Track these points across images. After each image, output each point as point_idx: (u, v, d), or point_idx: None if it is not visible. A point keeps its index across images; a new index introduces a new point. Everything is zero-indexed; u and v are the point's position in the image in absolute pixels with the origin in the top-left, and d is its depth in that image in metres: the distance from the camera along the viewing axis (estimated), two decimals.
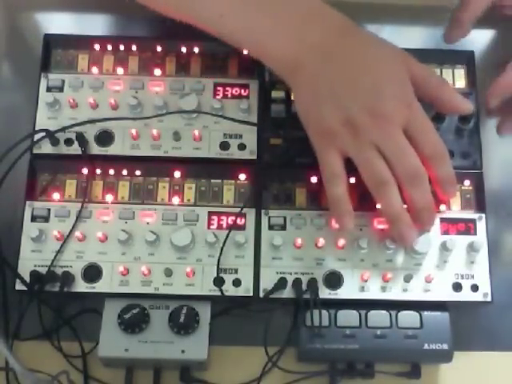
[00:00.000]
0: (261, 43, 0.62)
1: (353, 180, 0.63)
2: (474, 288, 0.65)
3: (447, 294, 0.64)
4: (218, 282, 0.64)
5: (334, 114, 0.59)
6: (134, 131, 0.67)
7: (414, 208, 0.61)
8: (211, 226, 0.66)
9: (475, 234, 0.66)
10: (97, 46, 0.71)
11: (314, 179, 0.67)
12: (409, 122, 0.59)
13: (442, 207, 0.67)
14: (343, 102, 0.58)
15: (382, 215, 0.63)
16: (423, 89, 0.61)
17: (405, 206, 0.61)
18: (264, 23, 0.61)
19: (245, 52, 0.67)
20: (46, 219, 0.66)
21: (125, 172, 0.67)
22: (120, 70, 0.70)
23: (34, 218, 0.66)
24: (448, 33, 0.70)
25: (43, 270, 0.64)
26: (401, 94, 0.59)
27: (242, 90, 0.70)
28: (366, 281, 0.64)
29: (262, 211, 0.66)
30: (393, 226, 0.61)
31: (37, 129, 0.68)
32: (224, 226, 0.66)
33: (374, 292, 0.64)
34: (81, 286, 0.64)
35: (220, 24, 0.63)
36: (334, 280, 0.65)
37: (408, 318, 0.64)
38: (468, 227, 0.66)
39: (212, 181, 0.67)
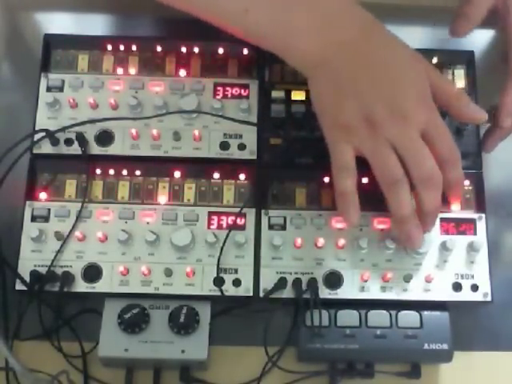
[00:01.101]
0: (287, 38, 0.61)
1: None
2: (474, 288, 0.65)
3: (447, 294, 0.64)
4: (218, 281, 0.64)
5: (354, 109, 0.59)
6: (133, 131, 0.67)
7: (422, 210, 0.60)
8: (211, 226, 0.66)
9: (475, 233, 0.66)
10: (97, 46, 0.71)
11: (314, 179, 0.67)
12: (427, 125, 0.59)
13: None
14: (366, 99, 0.58)
15: (391, 214, 0.62)
16: (440, 96, 0.61)
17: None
18: (291, 18, 0.61)
19: (267, 49, 0.65)
20: (46, 219, 0.66)
21: (125, 172, 0.67)
22: (120, 70, 0.70)
23: (33, 218, 0.66)
24: (455, 26, 0.69)
25: (43, 270, 0.64)
26: (422, 97, 0.59)
27: (242, 90, 0.70)
28: (365, 281, 0.64)
29: (262, 211, 0.66)
30: (401, 226, 0.61)
31: (37, 129, 0.68)
32: (224, 225, 0.66)
33: (373, 292, 0.64)
34: (81, 286, 0.64)
35: (245, 19, 0.62)
36: (333, 280, 0.65)
37: (408, 317, 0.64)
38: (468, 227, 0.66)
39: (212, 181, 0.67)
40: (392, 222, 0.65)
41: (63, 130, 0.67)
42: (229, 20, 0.63)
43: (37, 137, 0.67)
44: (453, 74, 0.72)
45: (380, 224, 0.66)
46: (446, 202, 0.65)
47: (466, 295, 0.65)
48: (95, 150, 0.68)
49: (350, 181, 0.60)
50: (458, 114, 0.62)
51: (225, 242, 0.65)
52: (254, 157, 0.68)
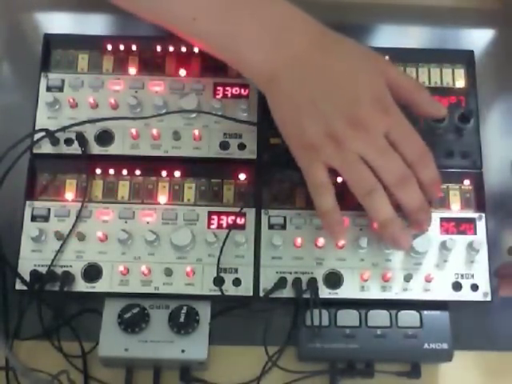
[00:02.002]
0: (237, 51, 0.61)
1: None
2: (474, 287, 0.65)
3: (447, 294, 0.64)
4: (218, 281, 0.64)
5: (314, 126, 0.58)
6: (133, 131, 0.67)
7: (409, 210, 0.60)
8: (211, 226, 0.66)
9: (475, 233, 0.66)
10: (97, 46, 0.71)
11: None
12: (389, 127, 0.58)
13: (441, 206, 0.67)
14: (323, 115, 0.58)
15: (373, 223, 0.63)
16: (398, 92, 0.60)
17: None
18: (240, 30, 0.61)
19: (221, 59, 0.65)
20: (46, 219, 0.66)
21: (125, 172, 0.67)
22: (120, 70, 0.70)
23: (33, 218, 0.66)
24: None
25: (43, 270, 0.64)
26: (378, 101, 0.58)
27: (242, 90, 0.70)
28: (365, 280, 0.64)
29: (262, 211, 0.66)
30: (385, 231, 0.60)
31: (37, 128, 0.68)
32: (224, 225, 0.66)
33: (373, 291, 0.64)
34: (81, 286, 0.64)
35: (194, 28, 0.62)
36: (333, 279, 0.65)
37: (408, 317, 0.64)
38: (468, 227, 0.66)
39: (212, 180, 0.67)
40: (377, 228, 0.64)
41: (63, 129, 0.67)
42: (178, 26, 0.63)
43: (37, 136, 0.67)
44: (453, 73, 0.72)
45: None
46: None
47: (465, 295, 0.64)
48: (95, 149, 0.68)
49: (329, 197, 0.60)
50: (417, 109, 0.62)
51: (225, 241, 0.65)
52: (254, 156, 0.68)
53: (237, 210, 0.66)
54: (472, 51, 0.72)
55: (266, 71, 0.60)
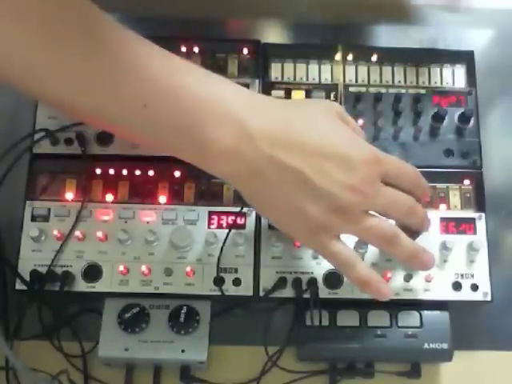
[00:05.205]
0: (200, 141, 0.53)
1: None
2: (474, 287, 0.65)
3: (447, 294, 0.64)
4: (218, 281, 0.64)
5: (316, 206, 0.54)
6: None
7: (415, 228, 0.60)
8: (211, 226, 0.66)
9: (475, 233, 0.66)
10: None
11: None
12: (385, 173, 0.57)
13: (442, 207, 0.67)
14: (320, 192, 0.54)
15: (400, 260, 0.60)
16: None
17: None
18: (203, 114, 0.53)
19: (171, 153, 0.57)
20: (46, 219, 0.66)
21: (125, 172, 0.67)
22: None
23: (33, 218, 0.66)
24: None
25: (43, 270, 0.64)
26: (366, 154, 0.56)
27: None
28: None
29: None
30: (415, 262, 0.59)
31: (37, 128, 0.68)
32: (224, 225, 0.66)
33: None
34: (81, 286, 0.64)
35: (143, 116, 0.53)
36: (333, 279, 0.65)
37: (408, 317, 0.64)
38: (468, 227, 0.66)
39: (212, 180, 0.67)
40: (404, 263, 0.63)
41: (63, 129, 0.67)
42: (124, 117, 0.53)
43: (37, 136, 0.67)
44: (453, 73, 0.72)
45: None
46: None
47: (465, 295, 0.64)
48: (95, 149, 0.68)
49: (362, 265, 0.57)
50: None
51: (225, 241, 0.65)
52: None
53: (237, 209, 0.66)
54: (472, 51, 0.72)
55: (243, 166, 0.54)
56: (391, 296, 0.58)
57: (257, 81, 0.70)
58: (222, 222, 0.66)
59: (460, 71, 0.72)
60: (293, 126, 0.55)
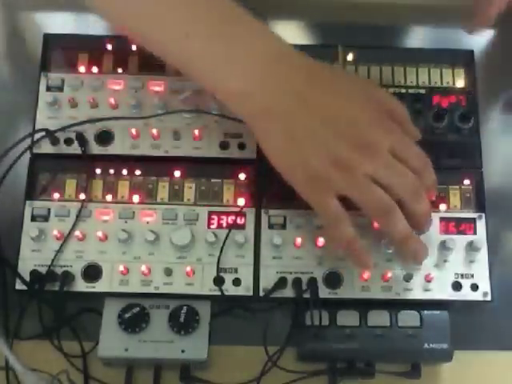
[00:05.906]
0: (223, 77, 0.58)
1: None
2: (474, 287, 0.65)
3: (447, 294, 0.65)
4: (218, 281, 0.64)
5: (317, 157, 0.56)
6: (133, 131, 0.67)
7: (420, 219, 0.60)
8: (211, 226, 0.66)
9: (475, 233, 0.66)
10: (97, 46, 0.71)
11: None
12: (393, 142, 0.57)
13: (442, 207, 0.67)
14: (324, 143, 0.56)
15: (392, 240, 0.61)
16: (388, 114, 0.60)
17: None
18: (231, 53, 0.57)
19: (205, 87, 0.61)
20: (46, 219, 0.66)
21: (125, 171, 0.67)
22: (120, 70, 0.70)
23: (33, 218, 0.66)
24: (472, 24, 0.69)
25: (43, 270, 0.64)
26: (376, 120, 0.57)
27: None
28: (366, 280, 0.64)
29: (262, 210, 0.66)
30: (406, 247, 0.60)
31: (37, 128, 0.68)
32: (224, 225, 0.66)
33: (373, 291, 0.64)
34: (81, 286, 0.64)
35: (184, 46, 0.58)
36: (333, 279, 0.65)
37: (408, 317, 0.64)
38: (468, 226, 0.66)
39: (212, 180, 0.67)
40: (395, 247, 0.64)
41: (63, 129, 0.67)
42: (167, 45, 0.59)
43: (37, 136, 0.67)
44: (453, 73, 0.72)
45: None
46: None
47: (465, 294, 0.65)
48: (95, 149, 0.68)
49: (348, 227, 0.58)
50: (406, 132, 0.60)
51: (225, 241, 0.65)
52: (254, 156, 0.68)
53: (237, 209, 0.66)
54: (472, 51, 0.72)
55: (256, 105, 0.57)
56: (370, 267, 0.60)
57: None
58: (221, 221, 0.66)
59: (460, 71, 0.72)
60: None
